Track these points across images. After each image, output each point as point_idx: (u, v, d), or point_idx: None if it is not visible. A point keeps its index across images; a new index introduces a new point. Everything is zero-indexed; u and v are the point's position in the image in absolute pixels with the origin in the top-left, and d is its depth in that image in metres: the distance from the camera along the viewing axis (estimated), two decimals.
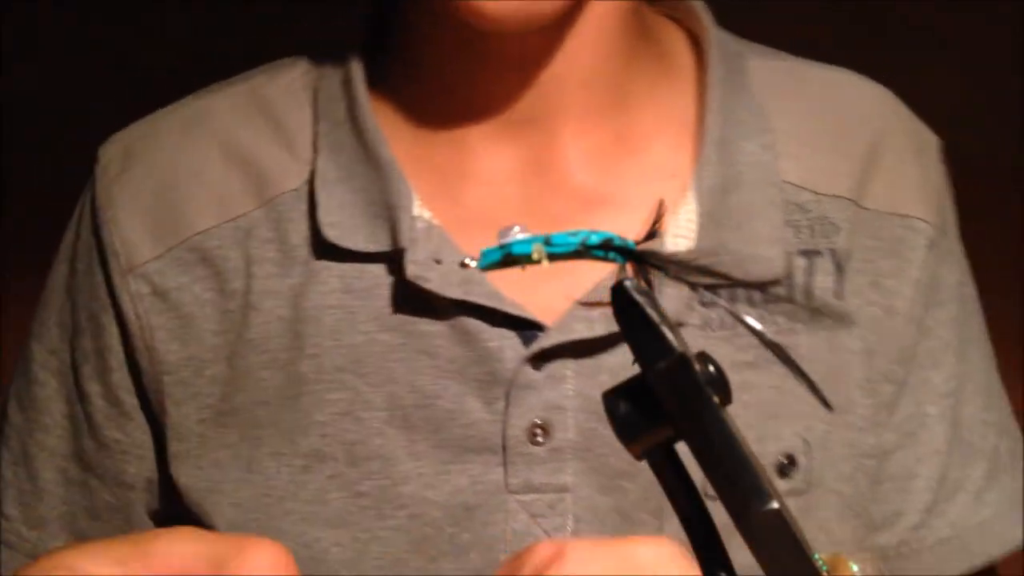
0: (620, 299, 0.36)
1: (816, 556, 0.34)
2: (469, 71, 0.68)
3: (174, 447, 0.71)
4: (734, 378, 0.69)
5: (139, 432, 0.73)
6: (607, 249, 0.38)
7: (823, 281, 0.71)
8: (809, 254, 0.70)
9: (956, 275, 0.75)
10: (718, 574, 0.36)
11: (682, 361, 0.35)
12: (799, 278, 0.70)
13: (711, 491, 0.35)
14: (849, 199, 0.71)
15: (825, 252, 0.71)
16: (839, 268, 0.71)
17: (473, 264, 0.39)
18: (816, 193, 0.71)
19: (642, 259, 0.37)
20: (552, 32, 0.66)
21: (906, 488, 0.74)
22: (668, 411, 0.35)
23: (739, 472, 0.34)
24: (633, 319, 0.36)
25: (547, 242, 0.37)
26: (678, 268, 0.37)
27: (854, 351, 0.72)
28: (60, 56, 1.06)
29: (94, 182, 0.73)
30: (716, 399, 0.35)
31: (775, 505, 0.33)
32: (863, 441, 0.72)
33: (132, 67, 0.83)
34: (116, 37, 1.06)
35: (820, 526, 0.73)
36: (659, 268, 0.37)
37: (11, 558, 0.74)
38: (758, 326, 0.36)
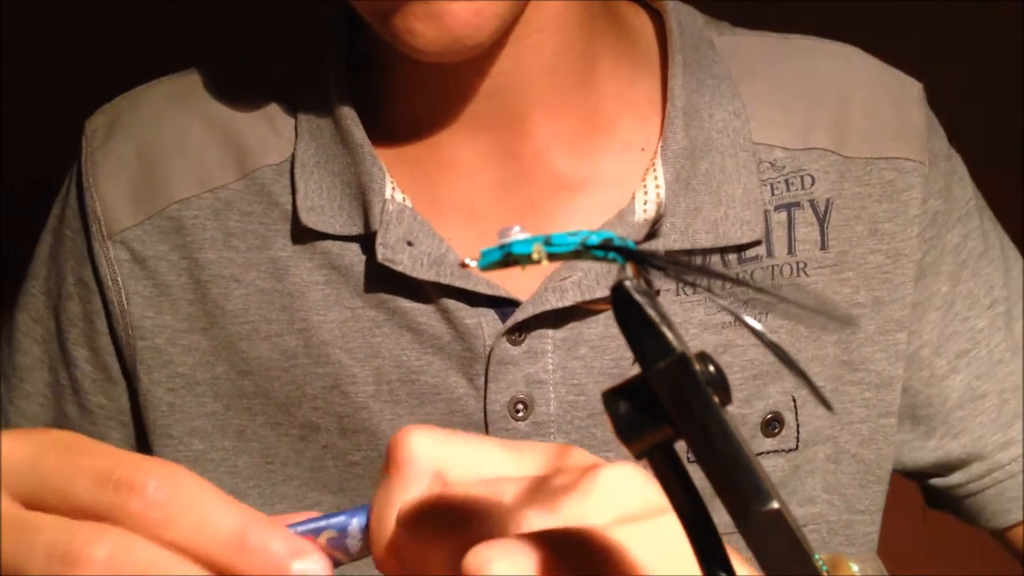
0: (620, 299, 0.36)
1: (816, 556, 0.34)
2: (430, 77, 0.69)
3: (145, 415, 0.72)
4: (715, 339, 0.70)
5: (124, 398, 0.73)
6: (607, 249, 0.37)
7: (806, 234, 0.70)
8: (788, 207, 0.70)
9: (968, 191, 0.74)
10: (718, 574, 0.36)
11: (682, 361, 0.35)
12: (779, 233, 0.70)
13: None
14: (826, 150, 0.71)
15: (804, 203, 0.70)
16: (820, 219, 0.70)
17: (473, 264, 0.39)
18: (788, 149, 0.70)
19: (642, 259, 0.37)
20: (505, 37, 0.66)
21: (979, 409, 0.72)
22: (668, 411, 0.35)
23: (739, 472, 0.33)
24: (633, 319, 0.36)
25: (547, 242, 0.37)
26: (679, 268, 0.37)
27: (861, 304, 0.71)
28: (60, 55, 1.06)
29: (80, 152, 0.74)
30: (716, 399, 0.35)
31: (775, 505, 0.33)
32: (881, 399, 0.71)
33: (133, 67, 0.83)
34: (117, 37, 1.06)
35: (841, 493, 0.71)
36: (659, 268, 0.37)
37: None
38: (758, 326, 0.36)
